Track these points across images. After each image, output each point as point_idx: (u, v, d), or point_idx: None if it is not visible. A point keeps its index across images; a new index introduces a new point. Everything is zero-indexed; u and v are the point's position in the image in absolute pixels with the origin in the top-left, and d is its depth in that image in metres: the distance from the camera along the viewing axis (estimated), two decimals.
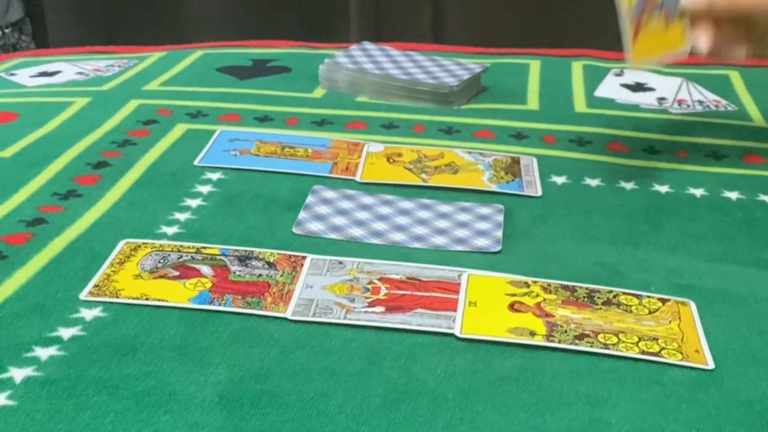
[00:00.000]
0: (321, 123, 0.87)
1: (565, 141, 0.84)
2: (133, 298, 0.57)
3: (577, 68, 1.04)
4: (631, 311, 0.57)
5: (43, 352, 0.52)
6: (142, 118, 0.87)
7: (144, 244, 0.63)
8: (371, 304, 0.57)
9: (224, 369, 0.51)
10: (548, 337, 0.54)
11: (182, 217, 0.68)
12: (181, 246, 0.63)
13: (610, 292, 0.59)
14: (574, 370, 0.52)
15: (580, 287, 0.59)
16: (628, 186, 0.75)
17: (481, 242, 0.65)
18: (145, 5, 1.81)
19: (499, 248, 0.65)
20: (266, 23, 1.74)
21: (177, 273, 0.60)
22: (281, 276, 0.60)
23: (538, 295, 0.58)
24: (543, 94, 0.96)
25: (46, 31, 1.86)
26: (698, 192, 0.74)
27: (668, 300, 0.59)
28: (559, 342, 0.54)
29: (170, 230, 0.66)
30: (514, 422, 0.48)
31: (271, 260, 0.61)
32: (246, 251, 0.63)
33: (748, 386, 0.51)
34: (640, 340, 0.54)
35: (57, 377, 0.50)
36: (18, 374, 0.50)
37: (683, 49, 0.73)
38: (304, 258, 0.62)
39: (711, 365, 0.53)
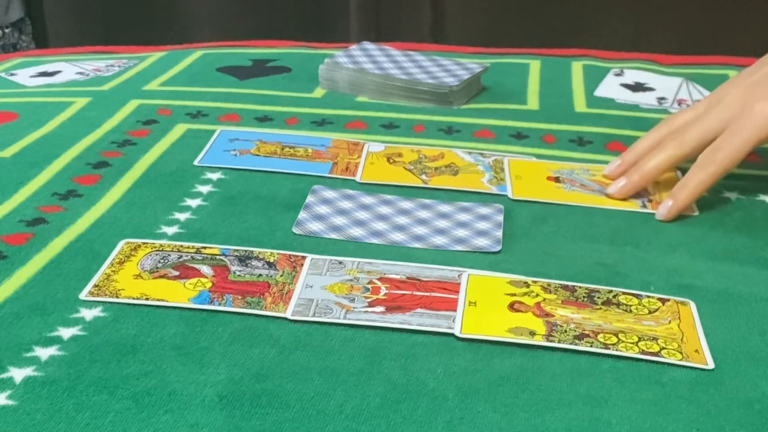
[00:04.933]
0: (321, 123, 0.87)
1: (565, 141, 0.84)
2: (133, 298, 0.57)
3: (577, 68, 1.04)
4: (631, 311, 0.57)
5: (43, 352, 0.52)
6: (142, 118, 0.87)
7: (144, 244, 0.63)
8: (371, 304, 0.57)
9: (224, 369, 0.51)
10: (548, 336, 0.54)
11: (182, 217, 0.68)
12: (181, 246, 0.63)
13: (610, 292, 0.59)
14: (574, 370, 0.52)
15: (580, 287, 0.59)
16: None
17: (481, 242, 0.65)
18: (146, 5, 1.81)
19: (499, 248, 0.65)
20: (266, 23, 1.74)
21: (177, 273, 0.60)
22: (281, 276, 0.60)
23: (538, 295, 0.58)
24: (543, 94, 0.96)
25: (46, 31, 1.85)
26: None
27: (668, 300, 0.59)
28: (559, 342, 0.54)
29: (170, 230, 0.66)
30: (514, 422, 0.48)
31: (271, 260, 0.61)
32: (246, 251, 0.63)
33: (748, 386, 0.51)
34: (639, 339, 0.54)
35: (57, 377, 0.50)
36: (18, 374, 0.50)
37: None
38: (304, 258, 0.62)
39: (711, 365, 0.53)
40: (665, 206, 0.70)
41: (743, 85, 0.72)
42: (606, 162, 0.78)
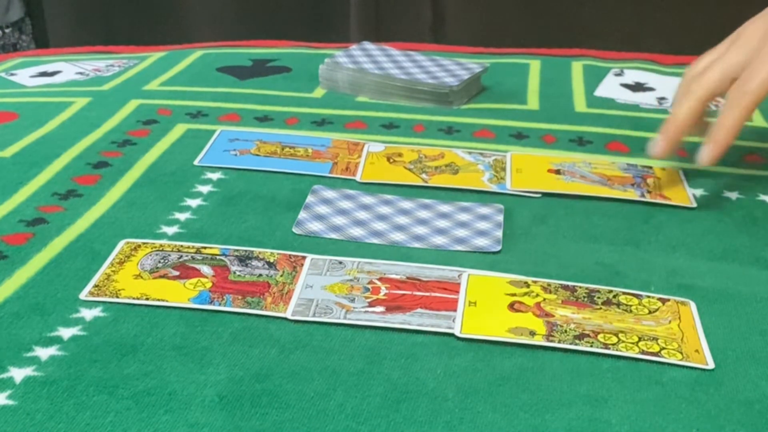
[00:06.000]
0: (321, 123, 0.87)
1: (565, 141, 0.84)
2: (133, 298, 0.57)
3: (577, 68, 1.04)
4: (631, 311, 0.57)
5: (43, 352, 0.52)
6: (142, 118, 0.87)
7: (144, 244, 0.63)
8: (371, 304, 0.57)
9: (224, 369, 0.51)
10: (548, 336, 0.54)
11: (182, 217, 0.68)
12: (181, 246, 0.63)
13: (610, 292, 0.59)
14: (574, 370, 0.52)
15: (580, 287, 0.59)
16: None
17: (481, 242, 0.65)
18: (146, 5, 1.81)
19: (499, 248, 0.65)
20: (266, 23, 1.74)
21: (177, 273, 0.60)
22: (281, 276, 0.60)
23: (538, 295, 0.58)
24: (543, 94, 0.96)
25: (46, 31, 1.86)
26: (698, 192, 0.74)
27: (668, 300, 0.59)
28: (559, 342, 0.54)
29: (170, 230, 0.66)
30: (514, 422, 0.48)
31: (271, 260, 0.61)
32: (246, 251, 0.63)
33: (748, 386, 0.51)
34: (640, 339, 0.54)
35: (57, 377, 0.50)
36: (18, 374, 0.50)
37: None
38: (304, 258, 0.62)
39: (711, 365, 0.53)
40: (707, 150, 0.70)
41: (761, 19, 0.72)
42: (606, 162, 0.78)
